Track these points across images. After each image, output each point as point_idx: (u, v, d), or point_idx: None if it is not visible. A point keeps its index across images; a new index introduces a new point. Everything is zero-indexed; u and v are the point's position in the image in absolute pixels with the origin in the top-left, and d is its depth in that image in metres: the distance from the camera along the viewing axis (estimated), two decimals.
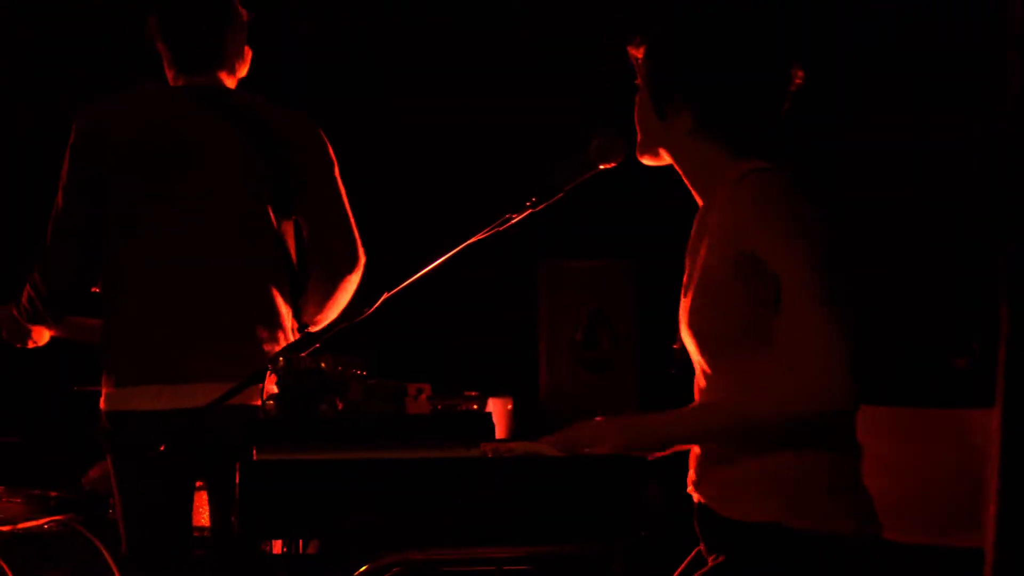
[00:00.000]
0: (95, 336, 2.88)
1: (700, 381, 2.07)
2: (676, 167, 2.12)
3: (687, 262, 2.12)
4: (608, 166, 2.25)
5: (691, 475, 2.09)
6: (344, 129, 3.09)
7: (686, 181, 2.12)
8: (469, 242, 2.25)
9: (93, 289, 2.86)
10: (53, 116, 4.12)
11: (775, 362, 1.91)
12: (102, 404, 2.78)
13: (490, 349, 4.67)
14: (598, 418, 2.03)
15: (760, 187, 1.95)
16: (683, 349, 2.12)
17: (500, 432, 4.05)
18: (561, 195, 2.25)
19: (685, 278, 2.11)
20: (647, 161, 2.15)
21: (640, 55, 2.11)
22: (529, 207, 2.25)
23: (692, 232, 2.13)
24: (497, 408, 4.07)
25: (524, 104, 4.47)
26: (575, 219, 4.07)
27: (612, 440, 1.97)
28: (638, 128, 2.14)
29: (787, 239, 1.90)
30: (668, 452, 2.03)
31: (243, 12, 2.91)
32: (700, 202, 2.11)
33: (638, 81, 2.13)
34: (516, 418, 4.10)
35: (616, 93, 2.34)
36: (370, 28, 4.60)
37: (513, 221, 2.25)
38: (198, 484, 2.97)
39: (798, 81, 2.04)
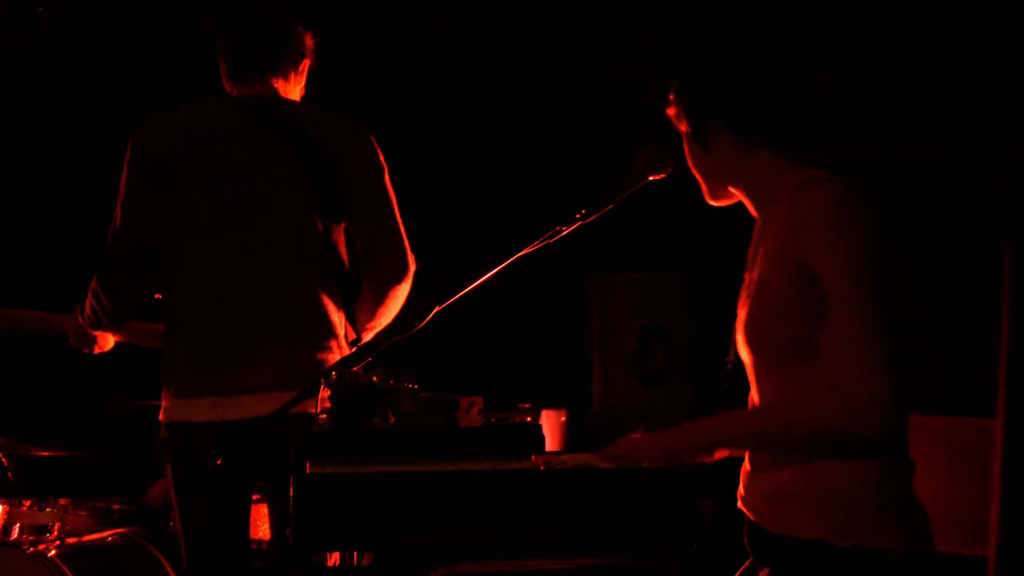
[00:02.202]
0: (160, 341, 2.90)
1: (753, 394, 2.06)
2: (740, 193, 2.11)
3: (746, 274, 2.10)
4: (658, 177, 2.25)
5: (740, 490, 2.07)
6: (397, 136, 3.09)
7: (748, 203, 2.11)
8: (520, 254, 2.24)
9: (156, 296, 2.89)
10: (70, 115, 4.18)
11: (818, 375, 1.90)
12: (161, 415, 2.81)
13: (543, 362, 4.66)
14: (639, 431, 2.03)
15: (816, 196, 1.94)
16: (736, 364, 2.10)
17: (555, 444, 4.04)
18: (611, 207, 2.24)
19: (743, 290, 2.10)
20: (719, 203, 2.14)
21: (673, 112, 2.12)
22: (579, 219, 2.25)
23: (751, 244, 2.12)
24: (551, 420, 4.04)
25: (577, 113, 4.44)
26: (626, 231, 4.05)
27: (657, 447, 1.98)
28: (698, 176, 2.14)
29: (836, 251, 1.89)
30: (715, 458, 2.01)
31: (300, 27, 2.92)
32: (758, 217, 2.10)
33: (682, 132, 2.13)
34: (569, 430, 4.07)
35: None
36: (377, 18, 4.56)
37: (563, 233, 2.26)
38: (255, 497, 2.98)
39: (807, 72, 2.04)
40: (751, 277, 2.07)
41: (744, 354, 2.06)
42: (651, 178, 2.25)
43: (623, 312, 4.56)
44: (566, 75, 4.49)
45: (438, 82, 4.62)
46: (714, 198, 2.14)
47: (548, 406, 4.10)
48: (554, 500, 1.86)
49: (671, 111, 2.13)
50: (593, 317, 4.60)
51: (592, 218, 2.25)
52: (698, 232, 4.36)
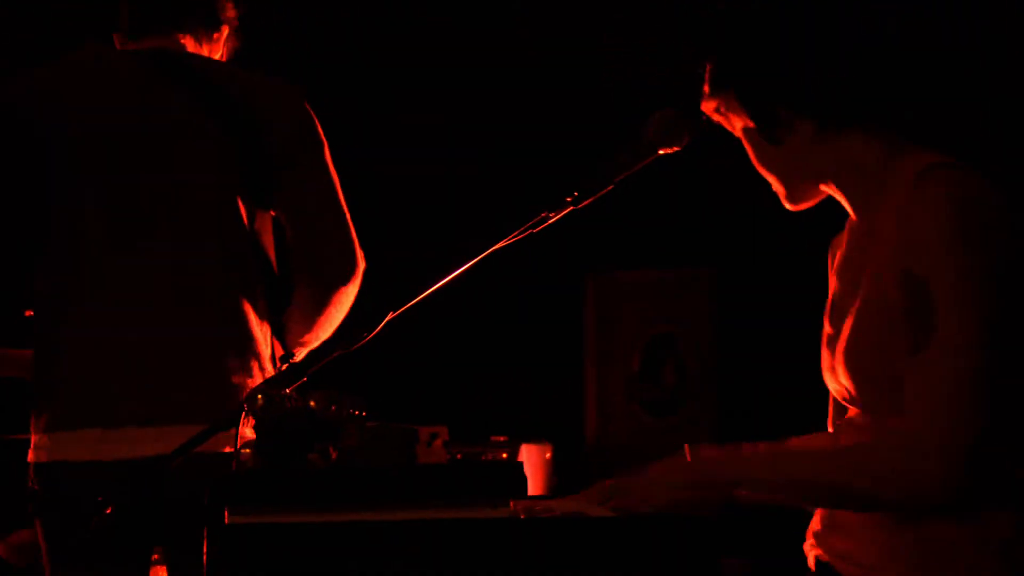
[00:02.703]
0: (28, 371, 2.91)
1: (847, 424, 2.12)
2: (833, 190, 2.14)
3: (834, 282, 2.15)
4: (670, 151, 2.27)
5: (815, 524, 2.13)
6: (341, 109, 3.13)
7: (843, 200, 2.14)
8: (496, 247, 2.26)
9: (27, 313, 2.90)
10: None
11: (895, 420, 1.94)
12: (30, 456, 2.81)
13: (524, 383, 4.69)
14: (658, 463, 2.06)
15: (942, 189, 1.94)
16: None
17: (538, 486, 4.07)
18: (611, 187, 2.26)
19: (829, 302, 2.15)
20: (802, 206, 2.17)
21: (714, 104, 2.14)
22: (570, 203, 2.26)
23: (841, 246, 2.17)
24: (533, 456, 4.09)
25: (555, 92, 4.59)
26: (631, 219, 4.11)
27: (672, 483, 2.02)
28: (776, 180, 2.16)
29: (965, 265, 1.90)
30: (745, 502, 2.06)
31: None
32: (854, 215, 2.14)
33: (735, 127, 2.16)
34: (556, 469, 4.12)
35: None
36: (377, 18, 4.76)
37: (551, 221, 2.27)
38: (154, 557, 3.00)
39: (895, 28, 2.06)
40: (843, 287, 2.11)
41: (841, 385, 2.10)
42: (662, 152, 2.26)
43: (626, 320, 4.60)
44: (545, 60, 4.63)
45: (398, 59, 4.76)
46: (797, 202, 2.16)
47: (530, 439, 4.16)
48: (537, 557, 1.89)
49: (709, 104, 2.14)
50: (588, 326, 4.64)
51: (587, 202, 2.27)
52: (724, 219, 4.42)
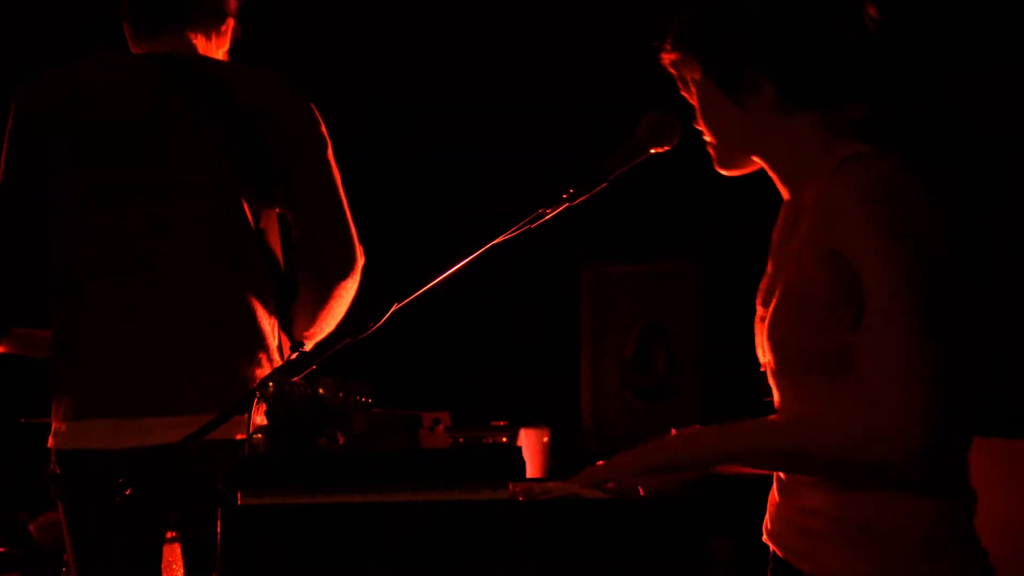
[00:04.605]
0: (47, 349, 2.91)
1: (777, 405, 2.10)
2: (762, 161, 2.13)
3: (770, 263, 2.14)
4: (661, 150, 2.27)
5: (767, 522, 2.12)
6: (347, 108, 3.12)
7: (772, 173, 2.13)
8: (496, 242, 2.26)
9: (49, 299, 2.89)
10: None
11: (851, 390, 1.92)
12: (50, 442, 2.81)
13: (522, 370, 4.70)
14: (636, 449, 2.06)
15: (860, 174, 1.94)
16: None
17: (536, 469, 4.08)
18: (605, 185, 2.26)
19: (765, 281, 2.13)
20: (731, 171, 2.15)
21: (677, 55, 2.11)
22: (566, 199, 2.26)
23: (776, 228, 2.15)
24: (532, 440, 4.10)
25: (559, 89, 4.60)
26: (624, 214, 4.12)
27: (640, 462, 2.01)
28: (711, 137, 2.13)
29: (879, 242, 1.90)
30: (701, 472, 2.05)
31: None
32: (786, 194, 2.13)
33: (685, 90, 2.14)
34: (553, 452, 4.12)
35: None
36: (378, 17, 4.77)
37: (548, 217, 2.27)
38: (169, 535, 3.00)
39: (872, 18, 2.04)
40: (775, 266, 2.10)
41: (765, 359, 2.10)
42: (653, 151, 2.26)
43: (620, 310, 4.60)
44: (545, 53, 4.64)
45: (397, 55, 4.76)
46: (726, 166, 2.14)
47: (528, 424, 4.16)
48: (535, 536, 1.89)
49: (671, 56, 2.11)
50: (583, 316, 4.64)
51: (582, 199, 2.27)
52: (711, 214, 4.43)
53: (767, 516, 2.11)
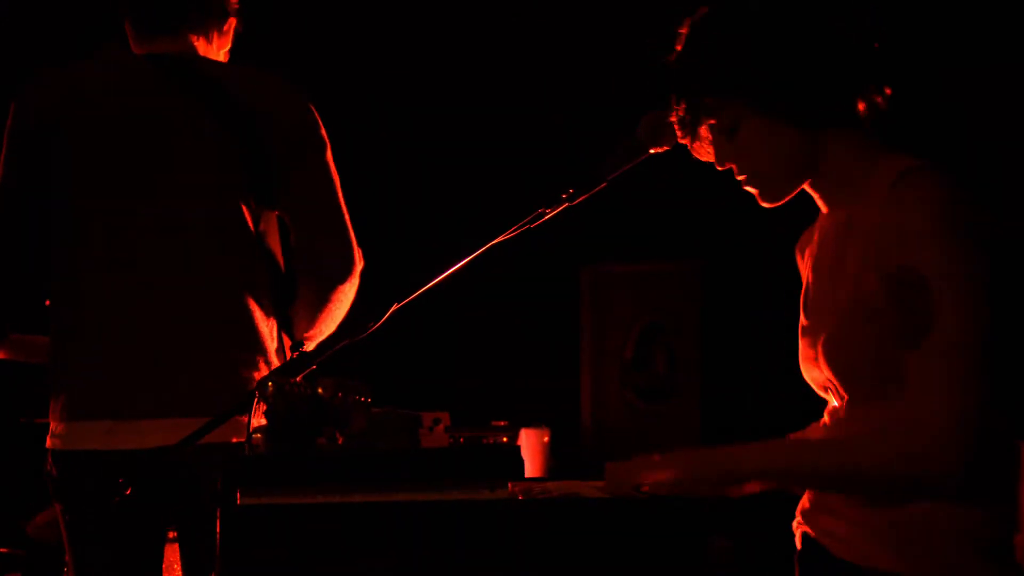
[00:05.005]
0: (46, 355, 2.90)
1: (827, 419, 2.11)
2: (808, 187, 2.13)
3: (809, 275, 2.15)
4: (660, 150, 2.27)
5: (804, 504, 2.13)
6: (346, 108, 3.12)
7: (812, 190, 2.13)
8: (496, 242, 2.27)
9: (47, 303, 2.89)
10: None
11: (901, 408, 1.93)
12: (48, 442, 2.80)
13: (523, 371, 4.70)
14: (656, 454, 2.05)
15: (925, 191, 1.95)
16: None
17: (537, 469, 4.08)
18: (604, 185, 2.26)
19: (803, 293, 2.14)
20: (781, 202, 2.13)
21: (712, 100, 2.08)
22: (566, 199, 2.27)
23: (815, 239, 2.16)
24: (532, 440, 4.09)
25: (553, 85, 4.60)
26: (624, 214, 4.12)
27: (671, 474, 2.00)
28: (761, 172, 2.10)
29: (950, 258, 1.91)
30: (738, 493, 2.06)
31: None
32: (825, 208, 2.13)
33: (695, 138, 2.12)
34: (554, 452, 4.12)
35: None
36: (378, 18, 4.78)
37: (547, 216, 2.27)
38: (170, 536, 3.00)
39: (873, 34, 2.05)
40: (822, 279, 2.11)
41: (820, 376, 2.10)
42: (653, 151, 2.26)
43: (620, 311, 4.61)
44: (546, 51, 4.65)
45: (401, 57, 4.77)
46: (779, 198, 2.12)
47: (528, 424, 4.16)
48: (534, 536, 1.89)
49: (705, 103, 2.08)
50: (584, 316, 4.64)
51: (581, 199, 2.27)
52: (711, 215, 4.42)
53: (804, 497, 2.14)
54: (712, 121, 2.10)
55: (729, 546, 1.99)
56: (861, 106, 2.06)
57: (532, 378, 4.67)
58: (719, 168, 2.14)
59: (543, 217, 2.27)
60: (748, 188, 2.13)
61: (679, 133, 2.15)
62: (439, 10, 4.82)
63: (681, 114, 2.12)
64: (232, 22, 2.95)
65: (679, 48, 2.12)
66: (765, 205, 2.14)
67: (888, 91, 2.06)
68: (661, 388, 4.54)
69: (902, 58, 2.07)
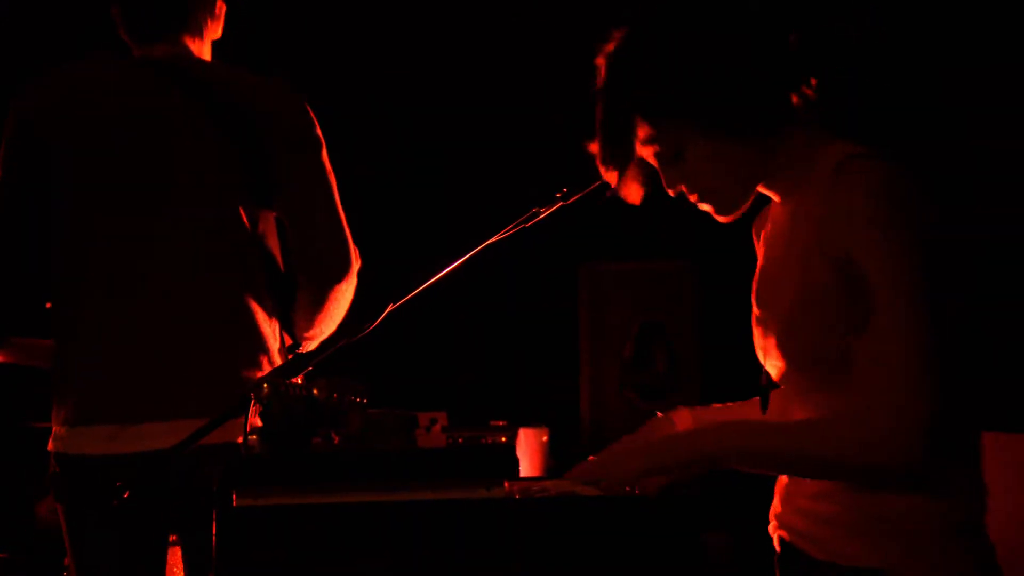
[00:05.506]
0: (48, 360, 2.91)
1: (784, 399, 2.11)
2: (763, 186, 2.12)
3: (761, 263, 2.14)
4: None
5: (776, 507, 2.12)
6: (341, 109, 3.12)
7: (767, 190, 2.12)
8: (491, 241, 2.26)
9: (47, 305, 2.89)
10: None
11: (853, 393, 1.93)
12: (50, 445, 2.81)
13: (521, 370, 4.69)
14: (624, 441, 2.06)
15: (864, 176, 1.94)
16: (768, 380, 2.13)
17: (535, 468, 4.08)
18: (599, 183, 2.26)
19: (758, 282, 2.13)
20: (738, 214, 2.10)
21: (658, 129, 2.04)
22: (560, 199, 2.27)
23: (766, 229, 2.16)
24: (530, 440, 4.10)
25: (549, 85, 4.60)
26: (621, 213, 4.11)
27: (639, 463, 1.98)
28: (715, 188, 2.07)
29: (888, 244, 1.90)
30: (700, 471, 2.05)
31: None
32: (776, 197, 2.13)
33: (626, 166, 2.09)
34: (553, 452, 4.12)
35: None
36: (375, 17, 4.78)
37: (543, 216, 2.27)
38: (171, 538, 3.00)
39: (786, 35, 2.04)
40: (771, 268, 2.10)
41: (772, 363, 2.09)
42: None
43: (618, 309, 4.60)
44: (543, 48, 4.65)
45: (396, 54, 4.77)
46: (735, 208, 2.09)
47: (527, 423, 4.16)
48: (530, 534, 1.89)
49: (650, 132, 2.04)
50: (582, 315, 4.64)
51: (576, 197, 2.28)
52: (708, 214, 4.41)
53: (775, 500, 2.12)
54: (657, 149, 2.06)
55: (726, 543, 1.99)
56: (795, 100, 2.04)
57: (530, 378, 4.67)
58: (671, 193, 2.12)
59: (538, 216, 2.27)
60: (703, 206, 2.11)
61: (603, 170, 2.10)
62: (438, 9, 4.81)
63: (612, 145, 2.08)
64: (221, 5, 2.94)
65: (605, 79, 2.08)
66: (722, 220, 2.11)
67: (814, 81, 2.05)
68: (661, 387, 4.53)
69: (822, 44, 2.06)
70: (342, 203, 2.87)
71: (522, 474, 2.05)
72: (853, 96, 2.09)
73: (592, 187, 2.25)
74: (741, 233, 2.25)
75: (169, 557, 3.06)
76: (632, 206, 2.20)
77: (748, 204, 2.11)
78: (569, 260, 4.57)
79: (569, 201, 2.27)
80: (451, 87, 4.79)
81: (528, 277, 4.63)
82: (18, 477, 3.86)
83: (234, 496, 1.91)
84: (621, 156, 2.08)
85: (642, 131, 2.05)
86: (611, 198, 2.31)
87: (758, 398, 2.14)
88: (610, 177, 2.10)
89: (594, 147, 2.10)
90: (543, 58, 4.65)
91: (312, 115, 2.86)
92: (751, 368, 2.18)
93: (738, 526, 2.01)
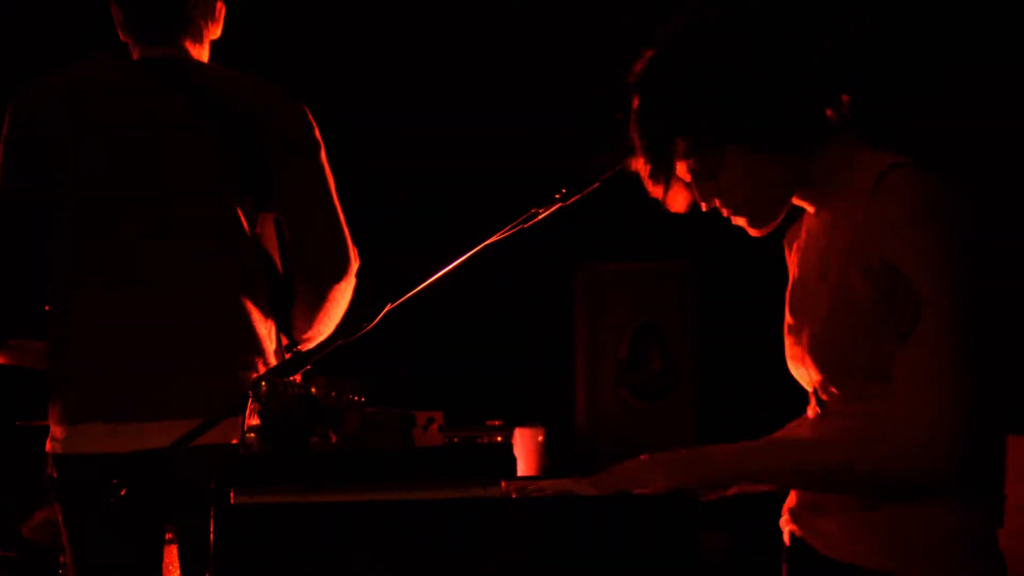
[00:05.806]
0: (43, 362, 2.91)
1: (812, 416, 2.11)
2: (798, 196, 2.12)
3: (795, 273, 2.15)
4: None
5: (790, 501, 2.13)
6: (339, 109, 3.12)
7: (801, 201, 2.12)
8: (489, 242, 2.27)
9: (46, 308, 2.89)
10: None
11: (890, 405, 1.93)
12: (48, 446, 2.81)
13: (517, 370, 4.70)
14: (645, 455, 2.05)
15: (907, 187, 1.95)
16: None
17: (531, 468, 4.08)
18: (597, 184, 2.26)
19: (792, 291, 2.14)
20: (772, 226, 2.11)
21: (699, 148, 2.05)
22: (559, 199, 2.27)
23: (799, 238, 2.16)
24: (526, 440, 4.09)
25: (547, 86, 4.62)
26: (618, 213, 4.11)
27: (663, 476, 1.99)
28: (751, 202, 2.08)
29: (934, 254, 1.91)
30: (732, 492, 2.06)
31: None
32: (810, 208, 2.13)
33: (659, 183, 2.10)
34: (548, 451, 4.12)
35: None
36: (373, 17, 4.79)
37: (540, 216, 2.28)
38: (168, 537, 3.00)
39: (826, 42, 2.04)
40: (807, 277, 2.11)
41: (808, 373, 2.10)
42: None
43: (615, 309, 4.60)
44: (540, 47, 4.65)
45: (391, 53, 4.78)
46: (770, 221, 2.10)
47: (523, 423, 4.16)
48: (527, 534, 1.89)
49: (692, 153, 2.05)
50: (578, 315, 4.64)
51: (574, 198, 2.28)
52: (705, 213, 4.42)
53: (791, 495, 2.13)
54: (692, 166, 2.07)
55: (723, 543, 1.99)
56: (829, 113, 2.05)
57: (527, 377, 4.67)
58: (703, 208, 2.12)
59: (536, 217, 2.27)
60: (737, 220, 2.11)
61: (650, 185, 2.11)
62: (437, 10, 4.81)
63: (654, 165, 2.08)
64: (220, 6, 2.94)
65: (641, 103, 2.08)
66: (755, 234, 2.12)
67: (846, 97, 2.05)
68: (656, 387, 4.53)
69: (860, 55, 2.07)
70: (341, 203, 2.88)
71: (519, 474, 2.05)
72: (886, 105, 2.08)
73: (590, 188, 2.26)
74: (739, 234, 2.25)
75: (166, 555, 3.06)
76: (631, 206, 2.20)
77: (782, 217, 2.11)
78: (566, 260, 4.58)
79: (568, 202, 2.27)
80: (451, 87, 4.79)
81: (525, 277, 4.64)
82: (16, 478, 3.86)
83: (231, 494, 1.91)
84: (664, 172, 2.09)
85: (679, 149, 2.06)
86: (609, 199, 2.33)
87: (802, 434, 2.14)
88: (656, 192, 2.11)
89: (638, 165, 2.10)
90: (543, 58, 4.65)
91: (311, 117, 2.87)
92: (747, 369, 2.18)
93: (736, 526, 2.01)
